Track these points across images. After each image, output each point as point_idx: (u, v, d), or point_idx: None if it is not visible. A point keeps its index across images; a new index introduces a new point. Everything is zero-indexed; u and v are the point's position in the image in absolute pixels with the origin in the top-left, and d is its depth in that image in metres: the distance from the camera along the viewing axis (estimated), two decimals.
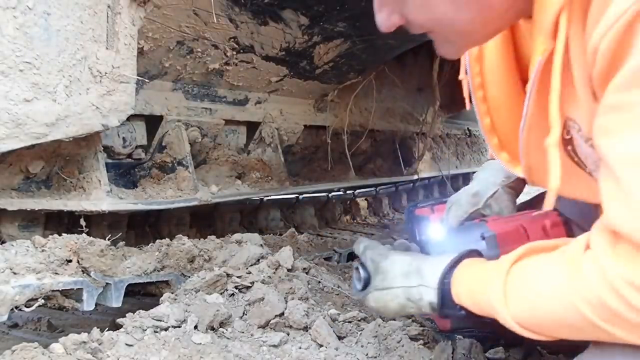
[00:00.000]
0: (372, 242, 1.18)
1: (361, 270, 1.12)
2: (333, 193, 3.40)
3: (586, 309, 0.79)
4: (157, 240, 1.81)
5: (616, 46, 0.68)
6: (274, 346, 1.40)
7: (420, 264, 1.06)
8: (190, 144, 2.15)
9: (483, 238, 1.14)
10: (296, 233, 2.56)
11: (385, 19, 0.91)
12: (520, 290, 0.89)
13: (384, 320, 1.45)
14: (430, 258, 1.09)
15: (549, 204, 0.88)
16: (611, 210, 0.76)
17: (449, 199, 1.37)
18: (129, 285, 1.64)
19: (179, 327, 1.41)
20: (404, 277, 1.05)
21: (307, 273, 1.84)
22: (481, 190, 1.32)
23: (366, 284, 1.11)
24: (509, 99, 1.10)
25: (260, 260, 1.78)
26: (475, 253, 1.07)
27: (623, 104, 0.70)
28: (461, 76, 1.16)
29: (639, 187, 0.71)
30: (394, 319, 1.45)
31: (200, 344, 1.35)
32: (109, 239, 1.64)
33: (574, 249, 0.85)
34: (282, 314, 1.50)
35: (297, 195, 3.03)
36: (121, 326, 1.41)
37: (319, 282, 1.82)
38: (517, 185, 1.34)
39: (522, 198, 1.42)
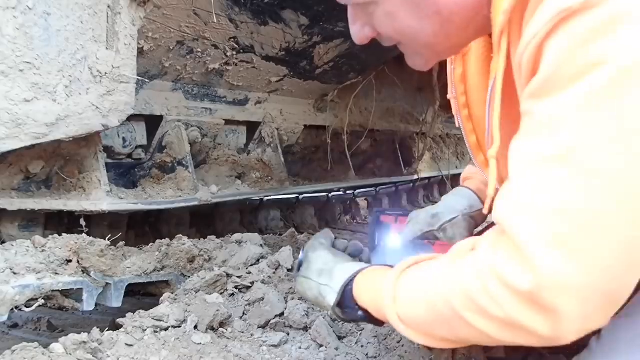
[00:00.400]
0: (327, 233, 1.24)
1: (300, 254, 1.19)
2: (333, 193, 3.41)
3: (456, 301, 0.80)
4: (157, 240, 1.81)
5: (532, 62, 0.75)
6: (274, 346, 1.40)
7: (335, 267, 1.09)
8: (190, 144, 2.15)
9: None
10: (296, 233, 2.55)
11: (358, 31, 0.97)
12: (408, 287, 0.92)
13: None
14: (346, 263, 1.11)
15: (486, 209, 0.94)
16: (498, 205, 0.79)
17: (410, 214, 1.39)
18: (129, 285, 1.65)
19: (179, 327, 1.41)
20: (318, 274, 1.10)
21: None
22: (441, 213, 1.34)
23: (299, 268, 1.17)
24: None
25: (260, 260, 1.78)
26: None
27: (527, 111, 0.76)
28: (449, 95, 1.19)
29: (523, 185, 0.75)
30: None
31: (200, 344, 1.35)
32: (109, 239, 1.64)
33: (462, 246, 0.88)
34: (282, 314, 1.50)
35: (297, 195, 3.03)
36: (121, 326, 1.41)
37: None
38: (479, 216, 1.36)
39: None
